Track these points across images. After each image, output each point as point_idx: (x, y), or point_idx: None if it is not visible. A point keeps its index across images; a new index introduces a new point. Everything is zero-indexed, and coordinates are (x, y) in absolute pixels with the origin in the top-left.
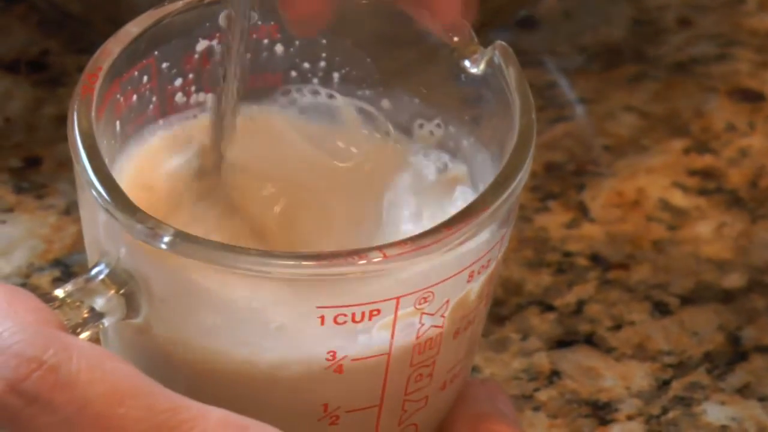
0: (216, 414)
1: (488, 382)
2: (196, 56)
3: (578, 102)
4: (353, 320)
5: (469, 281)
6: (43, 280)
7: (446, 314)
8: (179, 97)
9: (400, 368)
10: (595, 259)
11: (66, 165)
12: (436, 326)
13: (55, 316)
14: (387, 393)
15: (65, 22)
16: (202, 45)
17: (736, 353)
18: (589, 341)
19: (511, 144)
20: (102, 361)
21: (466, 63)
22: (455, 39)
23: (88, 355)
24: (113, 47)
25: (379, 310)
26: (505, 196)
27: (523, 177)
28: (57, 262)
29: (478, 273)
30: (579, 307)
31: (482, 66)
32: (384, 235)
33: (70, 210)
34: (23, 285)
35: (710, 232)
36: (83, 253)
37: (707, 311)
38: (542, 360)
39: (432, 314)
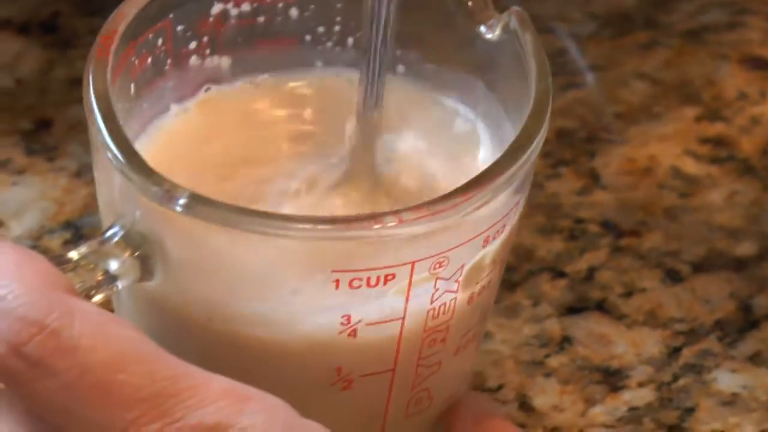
0: (218, 383)
1: (482, 395)
2: (211, 19)
3: (589, 69)
4: (368, 285)
5: (484, 246)
6: (54, 242)
7: (461, 279)
8: (194, 60)
9: (413, 333)
10: (607, 225)
11: (77, 127)
12: (450, 291)
13: (64, 279)
14: (400, 358)
15: None
16: (216, 8)
17: (747, 321)
18: (600, 308)
19: (527, 110)
20: (105, 326)
21: (482, 29)
22: (470, 4)
23: (92, 319)
24: (129, 10)
25: (394, 275)
26: (521, 161)
27: (539, 142)
28: (68, 225)
29: (493, 238)
30: (590, 273)
31: (498, 32)
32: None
33: (82, 172)
34: (34, 247)
35: (722, 200)
36: (94, 215)
37: (719, 279)
38: (553, 326)
39: (446, 279)
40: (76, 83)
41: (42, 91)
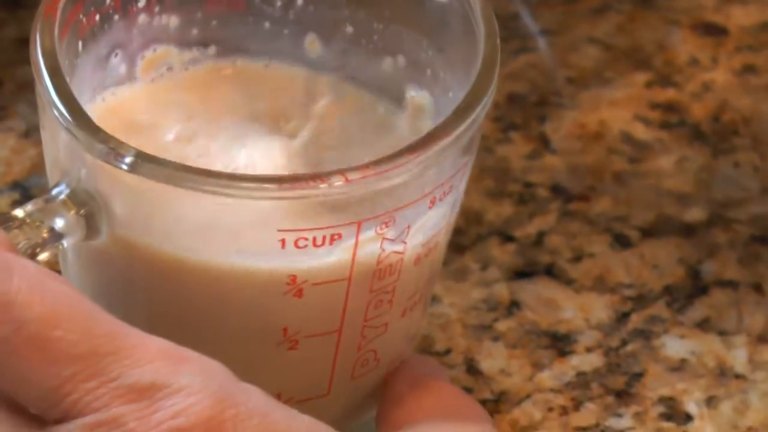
0: (155, 343)
1: (428, 357)
2: None
3: (541, 33)
4: (314, 244)
5: (430, 207)
6: (2, 202)
7: (407, 240)
8: (143, 19)
9: (360, 293)
10: (556, 190)
11: (26, 87)
12: (396, 252)
13: (4, 237)
14: (347, 318)
15: None
16: None
17: (695, 287)
18: (549, 272)
19: (475, 71)
20: (43, 283)
21: None
22: None
23: (29, 275)
24: None
25: (340, 235)
26: (468, 122)
27: (486, 104)
28: (16, 185)
29: (440, 200)
30: (539, 238)
31: None
32: (345, 158)
33: (30, 133)
34: None
35: (672, 166)
36: (43, 176)
37: (668, 244)
38: (502, 290)
39: (393, 240)
40: (26, 43)
41: None
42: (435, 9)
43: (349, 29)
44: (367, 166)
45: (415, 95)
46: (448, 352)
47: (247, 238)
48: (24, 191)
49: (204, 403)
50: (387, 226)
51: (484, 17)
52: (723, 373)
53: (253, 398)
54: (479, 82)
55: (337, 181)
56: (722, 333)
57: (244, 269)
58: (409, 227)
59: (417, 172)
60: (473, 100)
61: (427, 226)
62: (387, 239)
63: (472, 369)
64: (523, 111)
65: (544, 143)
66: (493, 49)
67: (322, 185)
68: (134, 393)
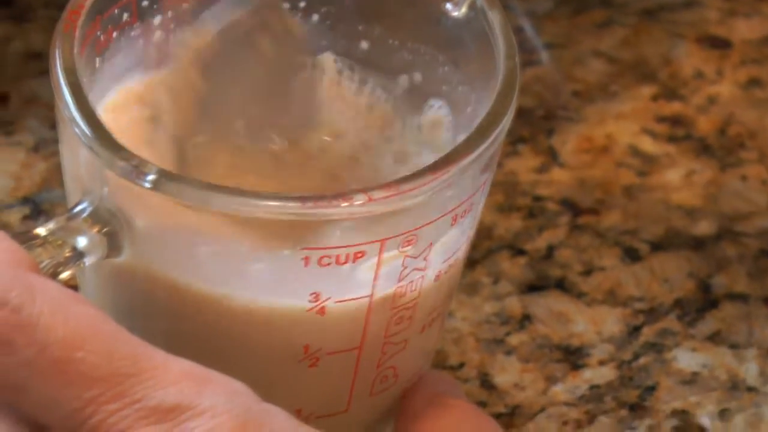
0: (178, 364)
1: (444, 373)
2: None
3: (545, 47)
4: (337, 262)
5: (452, 225)
6: (12, 217)
7: (429, 257)
8: (159, 36)
9: (381, 311)
10: (565, 204)
11: (34, 101)
12: (418, 269)
13: (27, 257)
14: (367, 335)
15: None
16: None
17: (706, 300)
18: (559, 286)
19: (493, 88)
20: (66, 304)
21: (448, 6)
22: None
23: (53, 297)
24: None
25: (363, 253)
26: (489, 140)
27: (507, 121)
28: (26, 200)
29: (461, 217)
30: (549, 251)
31: (464, 9)
32: (364, 176)
33: (39, 147)
34: None
35: (679, 179)
36: (53, 190)
37: (677, 258)
38: (513, 304)
39: (415, 257)
40: (32, 57)
41: None
42: (452, 25)
43: (365, 45)
44: (389, 185)
45: (432, 109)
46: (461, 366)
47: (271, 256)
48: (35, 206)
49: (228, 425)
50: (409, 244)
51: (503, 34)
52: (735, 386)
53: (276, 420)
54: (499, 100)
55: (360, 200)
56: (733, 346)
57: (267, 287)
58: (431, 245)
59: (439, 191)
60: (494, 119)
61: (449, 243)
62: (409, 257)
63: (485, 383)
64: (530, 125)
65: (552, 157)
66: (512, 67)
67: (344, 204)
68: (158, 414)
